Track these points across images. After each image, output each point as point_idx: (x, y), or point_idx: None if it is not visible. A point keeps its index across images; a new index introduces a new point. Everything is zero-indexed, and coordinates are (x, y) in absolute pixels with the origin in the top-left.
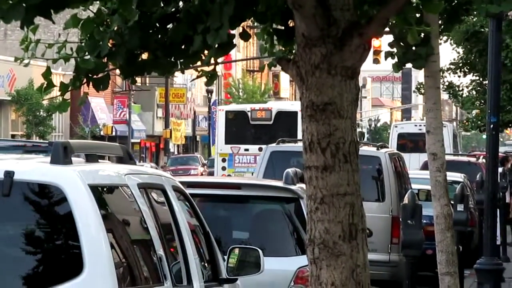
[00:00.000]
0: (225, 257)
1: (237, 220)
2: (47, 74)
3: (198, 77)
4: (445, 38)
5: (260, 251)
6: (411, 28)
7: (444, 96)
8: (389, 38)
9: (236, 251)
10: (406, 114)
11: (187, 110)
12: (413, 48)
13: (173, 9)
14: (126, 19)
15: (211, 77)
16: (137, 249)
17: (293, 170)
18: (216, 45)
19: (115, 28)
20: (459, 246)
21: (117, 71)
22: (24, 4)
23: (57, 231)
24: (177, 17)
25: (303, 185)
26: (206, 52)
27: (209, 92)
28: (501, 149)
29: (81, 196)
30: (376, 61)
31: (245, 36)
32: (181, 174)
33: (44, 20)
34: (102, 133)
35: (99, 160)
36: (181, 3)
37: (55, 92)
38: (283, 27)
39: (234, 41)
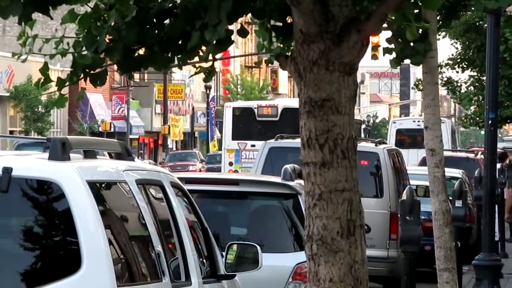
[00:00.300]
0: (223, 253)
1: (235, 216)
2: (44, 69)
3: (196, 73)
4: (443, 33)
5: (258, 247)
6: (410, 24)
7: (443, 92)
8: (388, 33)
9: (234, 247)
10: (405, 110)
11: (185, 106)
12: (411, 44)
13: (171, 5)
14: (124, 14)
15: (209, 73)
16: (135, 245)
17: (291, 166)
18: (214, 41)
19: (113, 23)
20: (458, 242)
21: (115, 67)
22: (22, 0)
23: (55, 227)
24: (174, 12)
25: (302, 181)
26: (204, 48)
27: (208, 88)
28: (500, 145)
29: (79, 192)
30: (374, 57)
31: (243, 32)
32: (179, 170)
33: (42, 16)
34: (100, 129)
35: (98, 156)
36: None
37: (54, 87)
38: (281, 23)
39: (232, 37)
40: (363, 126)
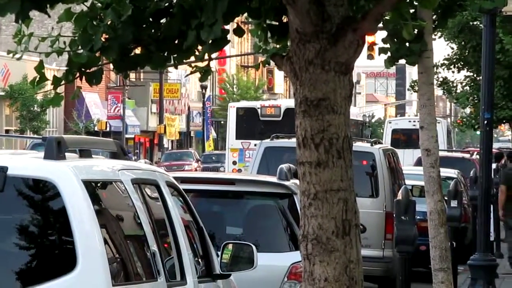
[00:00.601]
0: (219, 253)
1: (231, 215)
2: (39, 67)
3: (192, 72)
4: (439, 34)
5: (253, 246)
6: (406, 23)
7: (438, 92)
8: (383, 33)
9: (230, 246)
10: (400, 110)
11: (181, 105)
12: (407, 44)
13: (167, 4)
14: (120, 13)
15: (205, 73)
16: (131, 244)
17: (286, 166)
18: (210, 41)
19: (109, 23)
20: (453, 242)
21: (111, 66)
22: None
23: (51, 226)
24: (170, 12)
25: (297, 181)
26: (200, 47)
27: (204, 87)
28: (495, 145)
29: (75, 191)
30: (370, 57)
31: (239, 32)
32: (175, 170)
33: (38, 15)
34: (96, 128)
35: (93, 156)
36: None
37: (49, 86)
38: (277, 23)
39: (228, 36)
40: (368, 130)
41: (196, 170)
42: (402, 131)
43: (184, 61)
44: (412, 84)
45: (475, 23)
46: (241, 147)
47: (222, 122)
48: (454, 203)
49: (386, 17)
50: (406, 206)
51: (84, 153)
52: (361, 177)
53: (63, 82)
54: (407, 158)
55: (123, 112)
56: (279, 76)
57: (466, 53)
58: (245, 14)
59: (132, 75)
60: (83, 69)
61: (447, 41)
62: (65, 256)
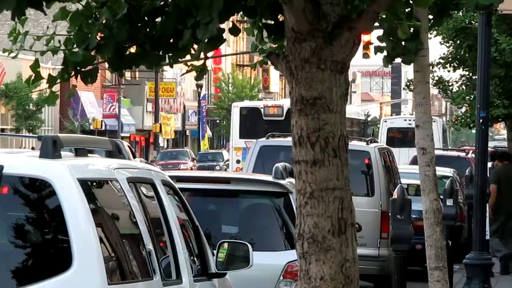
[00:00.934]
0: (214, 252)
1: (227, 214)
2: (35, 66)
3: (188, 71)
4: (434, 33)
5: (249, 245)
6: (402, 23)
7: (434, 91)
8: (379, 32)
9: (225, 245)
10: (396, 109)
11: (176, 104)
12: (403, 42)
13: (162, 3)
14: (115, 12)
15: (201, 71)
16: (126, 243)
17: (282, 164)
18: (206, 40)
19: (104, 21)
20: (448, 240)
21: (106, 65)
22: None
23: (46, 225)
24: (166, 10)
25: (293, 180)
26: (195, 46)
27: (199, 86)
28: (490, 143)
29: (70, 190)
30: (365, 55)
31: (234, 30)
32: (171, 169)
33: (33, 14)
34: (91, 127)
35: (89, 154)
36: None
37: (44, 85)
38: (272, 22)
39: (224, 35)
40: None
41: (191, 169)
42: (398, 130)
43: (180, 60)
44: (408, 84)
45: (470, 25)
46: (245, 146)
47: (217, 121)
48: (449, 202)
49: (382, 16)
50: (401, 205)
51: (80, 152)
52: (357, 176)
53: (58, 80)
54: (402, 157)
55: (118, 111)
56: (274, 75)
57: (462, 52)
58: (241, 13)
59: (128, 74)
60: (78, 68)
61: (443, 44)
62: (60, 254)
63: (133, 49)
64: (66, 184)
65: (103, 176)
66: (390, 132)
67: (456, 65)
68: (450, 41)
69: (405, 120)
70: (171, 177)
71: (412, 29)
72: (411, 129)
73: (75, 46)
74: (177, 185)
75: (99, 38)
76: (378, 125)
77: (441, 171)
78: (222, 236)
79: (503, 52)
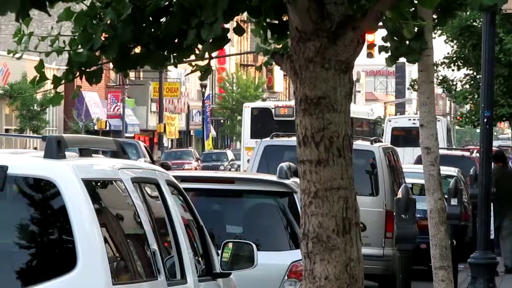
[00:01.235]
0: (219, 252)
1: (231, 214)
2: (39, 67)
3: (192, 71)
4: (439, 32)
5: (253, 245)
6: (407, 22)
7: (438, 90)
8: (383, 32)
9: (230, 245)
10: (400, 108)
11: (181, 104)
12: (407, 42)
13: (166, 3)
14: (119, 12)
15: (205, 71)
16: (131, 243)
17: (287, 164)
18: (210, 40)
19: (108, 22)
20: (453, 240)
21: (110, 65)
22: None
23: (51, 225)
24: (170, 10)
25: (297, 179)
26: (199, 46)
27: (203, 86)
28: (495, 143)
29: (75, 190)
30: (370, 55)
31: (239, 30)
32: (175, 169)
33: (38, 14)
34: (96, 127)
35: (93, 155)
36: None
37: (49, 85)
38: (277, 21)
39: (228, 35)
40: (380, 129)
41: (196, 169)
42: (402, 129)
43: (184, 60)
44: (412, 83)
45: (474, 24)
46: (256, 146)
47: (221, 120)
48: (454, 201)
49: (386, 16)
50: (406, 204)
51: (84, 152)
52: (361, 176)
53: (63, 81)
54: (407, 156)
55: (122, 111)
56: (278, 74)
57: (466, 52)
58: (245, 13)
59: (132, 74)
60: (83, 68)
61: (447, 42)
62: (65, 255)
63: (137, 49)
64: (71, 184)
65: (107, 176)
66: (394, 132)
67: (460, 64)
68: (455, 40)
69: (410, 119)
70: (175, 177)
71: (416, 28)
72: (415, 129)
73: (79, 46)
74: (182, 185)
75: (103, 39)
76: (382, 125)
77: (445, 170)
78: (226, 236)
79: (508, 52)
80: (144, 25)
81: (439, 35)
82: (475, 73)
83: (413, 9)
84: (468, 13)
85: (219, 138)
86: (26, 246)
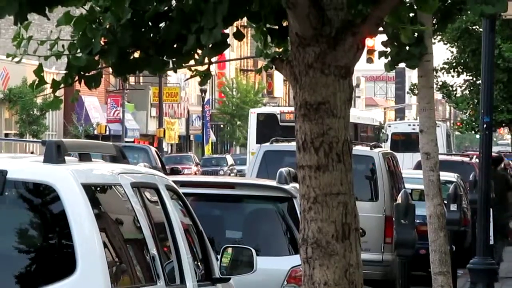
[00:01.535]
0: (218, 257)
1: (230, 219)
2: (38, 71)
3: (192, 76)
4: (438, 37)
5: (253, 250)
6: (405, 28)
7: (438, 96)
8: (383, 37)
9: (229, 250)
10: (400, 114)
11: (180, 109)
12: (407, 47)
13: (166, 8)
14: (119, 17)
15: (205, 76)
16: (130, 248)
17: (286, 169)
18: (210, 45)
19: (108, 26)
20: (452, 245)
21: (110, 69)
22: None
23: (50, 230)
24: (170, 15)
25: (297, 185)
26: (199, 51)
27: (203, 91)
28: (494, 148)
29: (74, 195)
30: (369, 60)
31: (239, 35)
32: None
33: (37, 19)
34: (95, 132)
35: (93, 159)
36: (173, 2)
37: (48, 90)
38: (277, 27)
39: (228, 40)
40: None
41: (195, 173)
42: (402, 135)
43: (183, 65)
44: (412, 88)
45: (474, 27)
46: None
47: (221, 125)
48: (453, 207)
49: (386, 21)
50: (405, 209)
51: (84, 157)
52: (360, 181)
53: (62, 85)
54: (406, 161)
55: (122, 116)
56: (278, 79)
57: (466, 57)
58: (245, 18)
59: (132, 79)
60: (82, 73)
61: (447, 44)
62: (64, 259)
63: (137, 54)
64: (70, 189)
65: (107, 181)
66: (394, 137)
67: (460, 70)
68: (454, 43)
69: (409, 125)
70: (175, 181)
71: (416, 34)
72: (415, 134)
73: (78, 51)
74: (181, 190)
75: (102, 43)
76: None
77: (445, 176)
78: (226, 241)
79: (508, 59)
80: (143, 30)
81: (439, 41)
82: (474, 79)
83: (412, 14)
84: (467, 16)
85: (219, 143)
86: (25, 251)
